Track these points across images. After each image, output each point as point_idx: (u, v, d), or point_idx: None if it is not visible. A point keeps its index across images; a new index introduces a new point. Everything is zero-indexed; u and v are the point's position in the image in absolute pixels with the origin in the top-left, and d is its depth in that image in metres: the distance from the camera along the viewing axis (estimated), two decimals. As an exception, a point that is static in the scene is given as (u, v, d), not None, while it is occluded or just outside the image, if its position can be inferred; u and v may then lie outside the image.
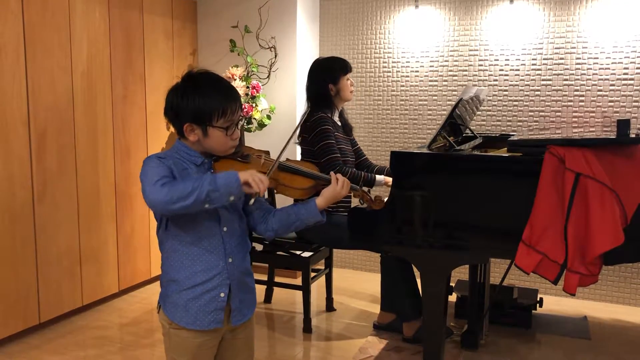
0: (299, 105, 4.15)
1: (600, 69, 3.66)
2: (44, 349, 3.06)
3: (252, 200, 1.64)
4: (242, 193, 1.57)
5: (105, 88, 3.60)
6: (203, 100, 1.61)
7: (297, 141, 3.26)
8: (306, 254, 3.34)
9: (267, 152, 1.81)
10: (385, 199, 2.43)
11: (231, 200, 1.55)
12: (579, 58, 3.71)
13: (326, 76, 3.15)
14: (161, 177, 1.55)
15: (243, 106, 3.83)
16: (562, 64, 3.75)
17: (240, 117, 1.91)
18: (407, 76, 4.16)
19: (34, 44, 3.12)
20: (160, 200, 1.51)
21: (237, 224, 1.71)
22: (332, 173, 1.76)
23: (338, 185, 1.73)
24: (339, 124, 3.26)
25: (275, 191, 1.86)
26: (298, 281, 3.76)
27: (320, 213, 1.74)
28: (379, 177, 3.13)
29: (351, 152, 3.27)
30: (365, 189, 1.86)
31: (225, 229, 1.68)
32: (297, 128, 1.80)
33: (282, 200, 3.49)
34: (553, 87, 3.79)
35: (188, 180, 1.54)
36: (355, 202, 3.30)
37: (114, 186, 3.71)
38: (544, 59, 3.79)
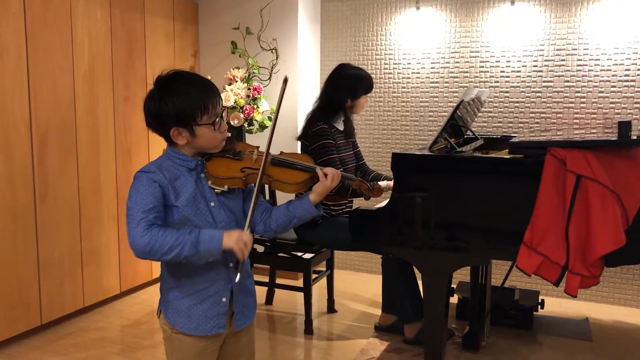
0: (300, 107, 4.15)
1: (601, 70, 3.66)
2: (45, 350, 3.06)
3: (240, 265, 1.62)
4: (221, 255, 1.58)
5: (106, 89, 3.60)
6: (182, 100, 1.56)
7: (297, 137, 3.27)
8: (307, 256, 3.34)
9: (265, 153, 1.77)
10: (386, 201, 2.44)
11: (209, 260, 1.58)
12: (580, 60, 3.71)
13: (349, 89, 3.13)
14: (147, 210, 1.54)
15: (244, 108, 3.84)
16: (563, 65, 3.75)
17: (223, 108, 1.89)
18: (408, 78, 4.16)
19: (36, 45, 3.12)
20: (140, 250, 1.53)
21: (236, 227, 1.68)
22: (318, 169, 1.72)
23: (327, 180, 1.71)
24: (341, 129, 3.24)
25: (269, 187, 1.82)
26: (299, 283, 3.76)
27: (316, 207, 1.73)
28: (381, 184, 3.13)
29: (352, 157, 3.27)
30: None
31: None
32: (277, 111, 1.71)
33: (283, 197, 3.48)
34: (554, 89, 3.79)
35: (170, 233, 1.53)
36: (356, 203, 3.30)
37: (116, 187, 3.71)
38: (545, 60, 3.79)
